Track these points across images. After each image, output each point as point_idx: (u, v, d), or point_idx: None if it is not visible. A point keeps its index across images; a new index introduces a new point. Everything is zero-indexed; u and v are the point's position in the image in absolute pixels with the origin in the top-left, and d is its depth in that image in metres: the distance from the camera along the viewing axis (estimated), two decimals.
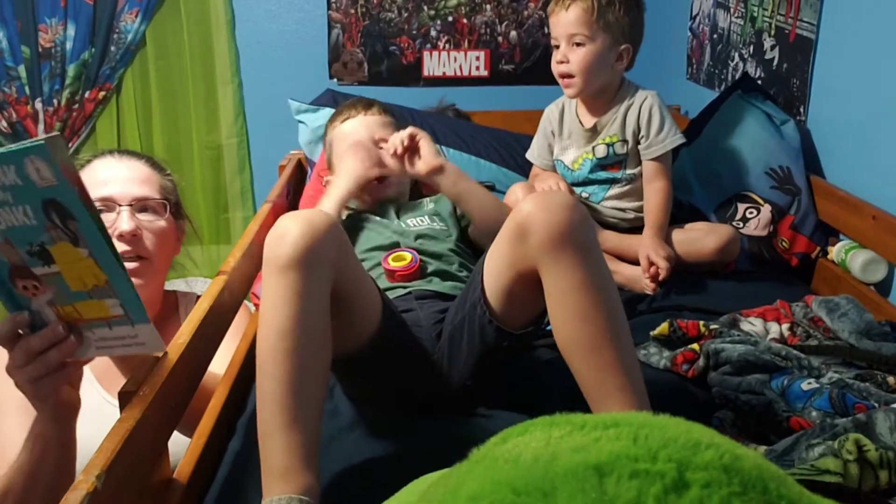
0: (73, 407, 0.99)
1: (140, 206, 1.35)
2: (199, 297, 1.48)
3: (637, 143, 1.73)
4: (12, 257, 0.87)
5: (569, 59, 1.68)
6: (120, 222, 1.31)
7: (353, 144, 1.60)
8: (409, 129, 1.52)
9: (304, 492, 0.87)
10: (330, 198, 1.54)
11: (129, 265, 1.30)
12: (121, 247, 1.29)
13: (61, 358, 0.91)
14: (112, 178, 1.36)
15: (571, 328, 0.96)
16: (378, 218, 1.57)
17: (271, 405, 0.90)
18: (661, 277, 1.60)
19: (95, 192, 1.32)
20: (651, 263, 1.61)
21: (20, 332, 0.91)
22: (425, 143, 1.51)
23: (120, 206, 1.33)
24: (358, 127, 1.66)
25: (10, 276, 0.89)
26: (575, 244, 0.95)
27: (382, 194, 1.63)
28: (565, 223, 0.95)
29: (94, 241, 0.82)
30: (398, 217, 1.57)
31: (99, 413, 1.22)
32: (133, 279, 1.27)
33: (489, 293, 1.10)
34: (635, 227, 1.78)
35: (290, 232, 0.95)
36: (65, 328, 0.90)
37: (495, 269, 1.08)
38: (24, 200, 0.81)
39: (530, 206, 0.99)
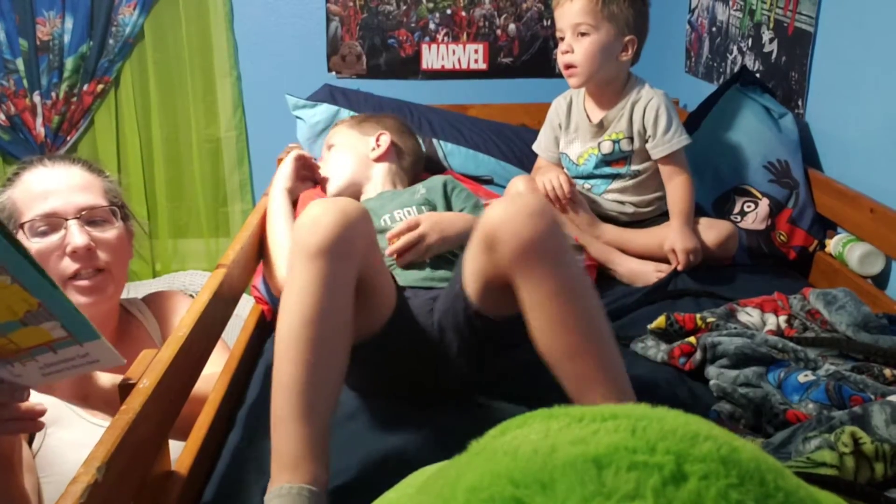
0: (5, 456, 0.94)
1: (88, 217, 1.24)
2: (141, 299, 1.46)
3: (644, 141, 1.73)
4: None
5: (573, 49, 1.68)
6: (71, 237, 1.20)
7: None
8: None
9: (312, 482, 0.87)
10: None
11: (87, 281, 1.23)
12: (75, 264, 1.21)
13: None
14: (50, 189, 1.23)
15: (550, 337, 0.94)
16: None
17: (287, 393, 0.90)
18: (681, 268, 1.63)
19: (35, 207, 1.21)
20: (679, 252, 1.64)
21: None
22: (418, 236, 1.37)
23: (66, 219, 1.21)
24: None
25: None
26: (544, 255, 0.92)
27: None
28: (531, 234, 0.92)
29: (15, 264, 0.73)
30: (386, 209, 1.57)
31: (92, 438, 1.17)
32: (95, 295, 1.24)
33: (469, 290, 1.08)
34: (634, 221, 1.79)
35: (322, 219, 0.94)
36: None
37: (470, 273, 1.07)
38: None
39: (498, 214, 0.95)
